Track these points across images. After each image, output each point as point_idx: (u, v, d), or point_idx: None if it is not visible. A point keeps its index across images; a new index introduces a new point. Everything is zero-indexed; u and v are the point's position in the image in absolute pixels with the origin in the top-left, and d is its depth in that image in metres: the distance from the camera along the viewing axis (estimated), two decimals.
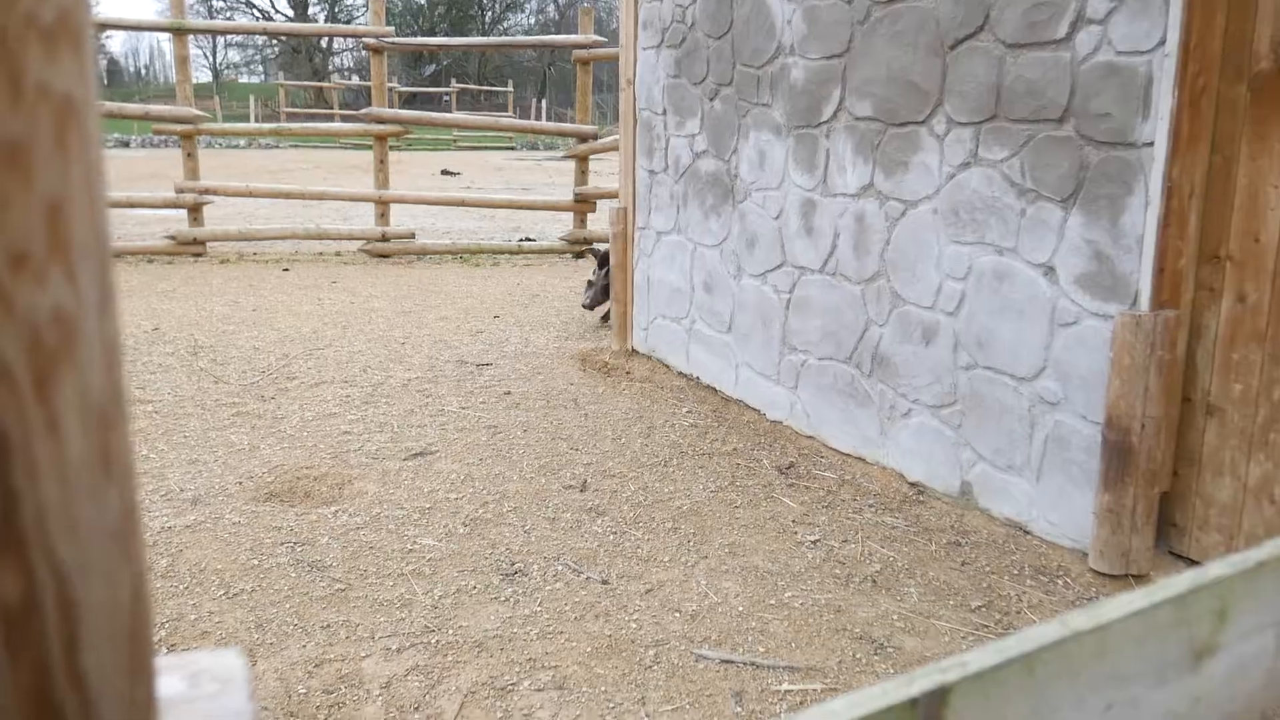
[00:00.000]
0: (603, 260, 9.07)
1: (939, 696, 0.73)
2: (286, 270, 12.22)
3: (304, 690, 3.52)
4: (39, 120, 0.52)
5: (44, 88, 0.52)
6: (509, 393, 7.03)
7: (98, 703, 0.49)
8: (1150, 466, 4.22)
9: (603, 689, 3.51)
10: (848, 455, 5.87)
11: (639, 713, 3.37)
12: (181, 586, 4.21)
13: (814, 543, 4.72)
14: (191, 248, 12.87)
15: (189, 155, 12.93)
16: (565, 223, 14.74)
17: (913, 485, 5.40)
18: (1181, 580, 0.85)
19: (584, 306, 9.29)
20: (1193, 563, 4.36)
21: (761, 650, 3.78)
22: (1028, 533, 4.79)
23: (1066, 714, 0.80)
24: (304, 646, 3.78)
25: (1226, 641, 0.88)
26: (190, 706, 0.53)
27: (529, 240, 14.48)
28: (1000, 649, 0.76)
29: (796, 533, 4.83)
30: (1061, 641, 0.78)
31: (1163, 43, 4.07)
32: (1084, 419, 4.47)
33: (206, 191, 13.05)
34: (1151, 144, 4.14)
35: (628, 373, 7.62)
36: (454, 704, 3.41)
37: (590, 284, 9.25)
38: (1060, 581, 4.37)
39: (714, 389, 7.10)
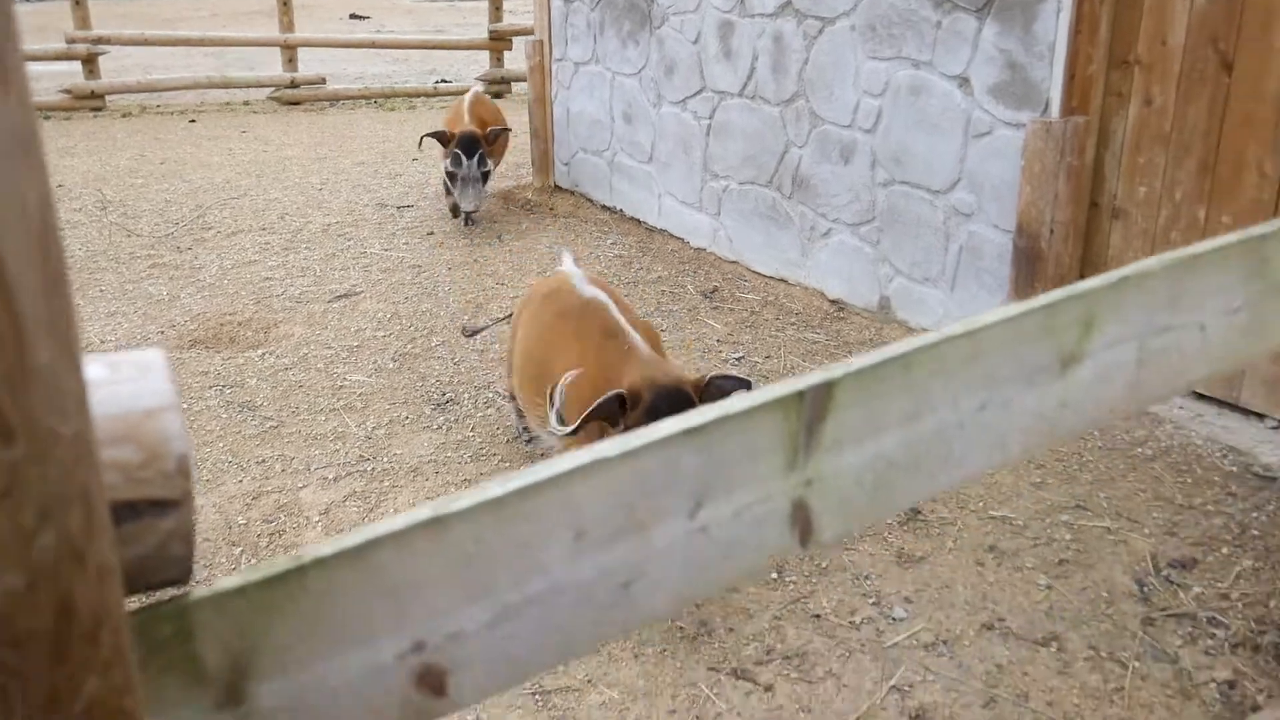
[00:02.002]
0: (464, 143, 6.73)
1: (824, 390, 0.79)
2: (193, 122, 11.76)
3: (244, 521, 3.58)
4: None
5: None
6: (432, 233, 6.96)
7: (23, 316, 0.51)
8: (1058, 271, 4.36)
9: None
10: (770, 278, 5.96)
11: None
12: None
13: (738, 360, 4.85)
14: (90, 102, 12.27)
15: (77, 3, 12.20)
16: (482, 63, 14.29)
17: (833, 303, 5.53)
18: (1052, 293, 0.91)
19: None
20: None
21: None
22: None
23: (943, 412, 0.87)
24: (240, 481, 3.83)
25: (1091, 350, 0.95)
26: (112, 389, 0.57)
27: (444, 82, 14.06)
28: (881, 352, 0.82)
29: (721, 352, 4.95)
30: (937, 344, 0.84)
31: None
32: (996, 228, 4.58)
33: (100, 41, 12.37)
34: None
35: (551, 209, 7.57)
36: None
37: (452, 177, 6.85)
38: None
39: (638, 220, 7.10)
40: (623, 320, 3.38)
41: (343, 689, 0.65)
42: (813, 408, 0.79)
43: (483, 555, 0.67)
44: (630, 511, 0.72)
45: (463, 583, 0.67)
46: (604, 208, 7.46)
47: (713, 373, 3.02)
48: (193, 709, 0.60)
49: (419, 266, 6.27)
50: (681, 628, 3.17)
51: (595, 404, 2.86)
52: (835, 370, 0.80)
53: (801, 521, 0.82)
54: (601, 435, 2.94)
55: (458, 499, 0.66)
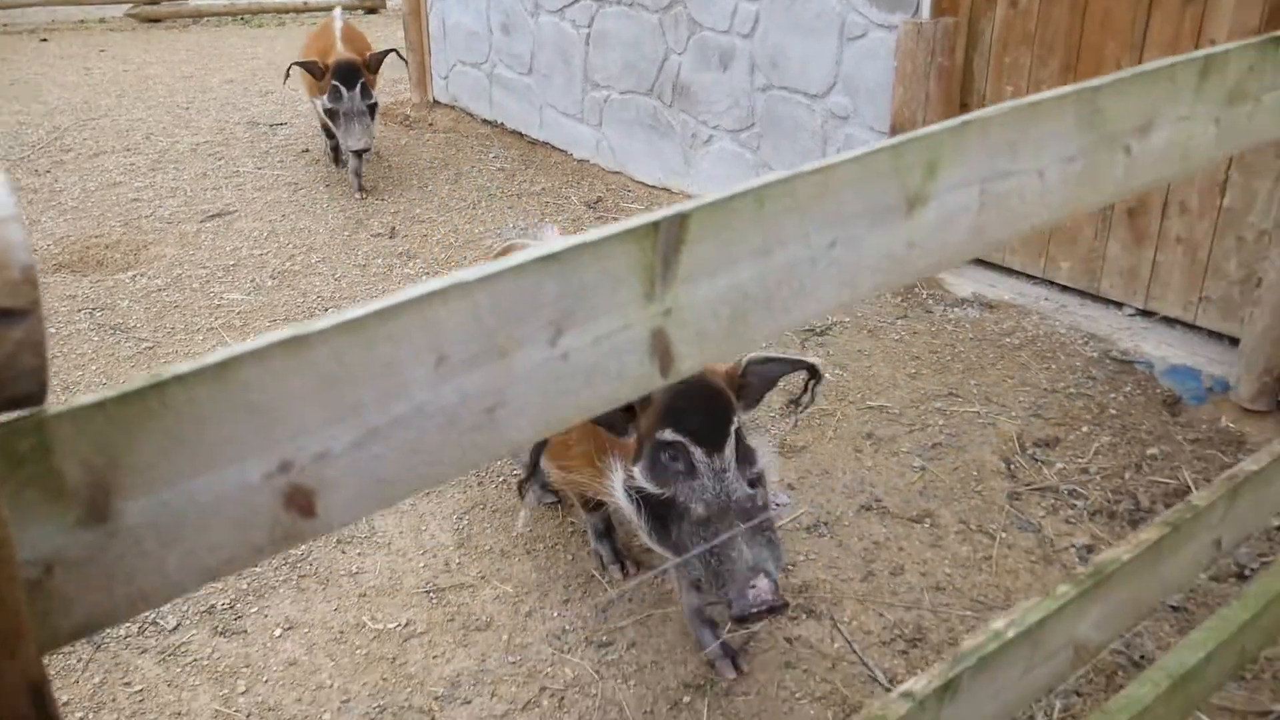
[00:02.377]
0: (342, 73, 5.71)
1: (678, 221, 0.82)
2: (45, 40, 11.12)
3: None
4: None
5: None
6: (307, 150, 6.77)
7: None
8: None
9: None
10: (654, 187, 5.97)
11: None
12: None
13: None
14: None
15: None
16: None
17: None
18: (898, 136, 0.96)
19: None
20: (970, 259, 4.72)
21: None
22: None
23: (795, 248, 0.91)
24: None
25: (936, 192, 1.00)
26: None
27: None
28: (734, 189, 0.85)
29: None
30: (788, 180, 0.88)
31: None
32: (871, 130, 4.67)
33: None
34: None
35: (430, 124, 7.41)
36: None
37: (332, 114, 5.81)
38: None
39: (520, 133, 7.01)
40: None
41: (210, 508, 0.66)
42: (667, 239, 0.81)
43: (345, 376, 0.69)
44: (491, 337, 0.74)
45: (326, 403, 0.68)
46: (485, 121, 7.34)
47: (749, 355, 2.41)
48: (56, 525, 0.61)
49: (295, 184, 6.10)
50: (573, 523, 3.23)
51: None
52: (689, 203, 0.82)
53: (661, 351, 0.85)
54: (598, 465, 2.46)
55: (318, 320, 0.67)
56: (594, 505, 2.84)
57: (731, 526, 2.16)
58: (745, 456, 2.31)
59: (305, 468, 0.69)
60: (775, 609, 2.08)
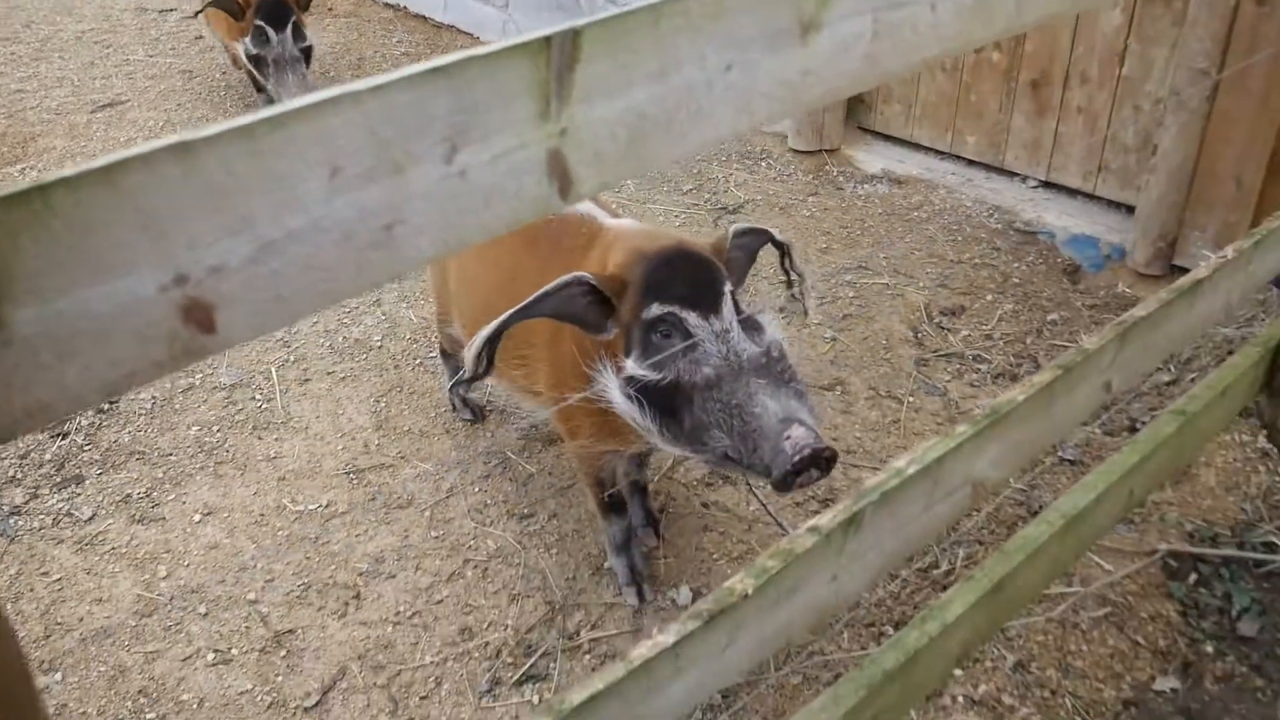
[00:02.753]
0: (269, 12, 4.77)
1: (571, 37, 0.82)
2: None
3: None
4: None
5: None
6: (201, 36, 6.48)
7: None
8: None
9: None
10: None
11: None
12: None
13: None
14: None
15: None
16: None
17: None
18: None
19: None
20: (880, 135, 4.76)
21: None
22: None
23: (691, 70, 0.91)
24: None
25: (829, 19, 1.01)
26: None
27: None
28: (627, 7, 0.85)
29: None
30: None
31: None
32: None
33: None
34: None
35: (330, 8, 7.14)
36: None
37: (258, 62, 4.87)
38: (764, 163, 4.69)
39: (424, 17, 6.79)
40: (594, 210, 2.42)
41: (107, 320, 0.66)
42: (561, 55, 0.81)
43: (236, 186, 0.68)
44: (385, 150, 0.74)
45: (219, 213, 0.68)
46: (387, 4, 7.10)
47: (734, 226, 2.17)
48: None
49: (190, 72, 5.86)
50: (490, 401, 3.25)
51: (532, 302, 1.94)
52: (582, 19, 0.82)
53: (559, 172, 0.85)
54: (576, 382, 2.13)
55: (206, 128, 0.66)
56: (613, 505, 2.52)
57: (749, 386, 1.88)
58: (750, 325, 2.03)
59: (202, 281, 0.69)
60: (821, 457, 1.80)
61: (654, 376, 1.95)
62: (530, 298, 1.93)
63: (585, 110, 0.85)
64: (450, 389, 3.13)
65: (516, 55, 0.79)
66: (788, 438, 1.79)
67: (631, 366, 1.98)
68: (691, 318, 1.95)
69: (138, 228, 0.65)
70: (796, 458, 1.77)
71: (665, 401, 1.96)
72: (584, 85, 0.84)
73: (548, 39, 0.80)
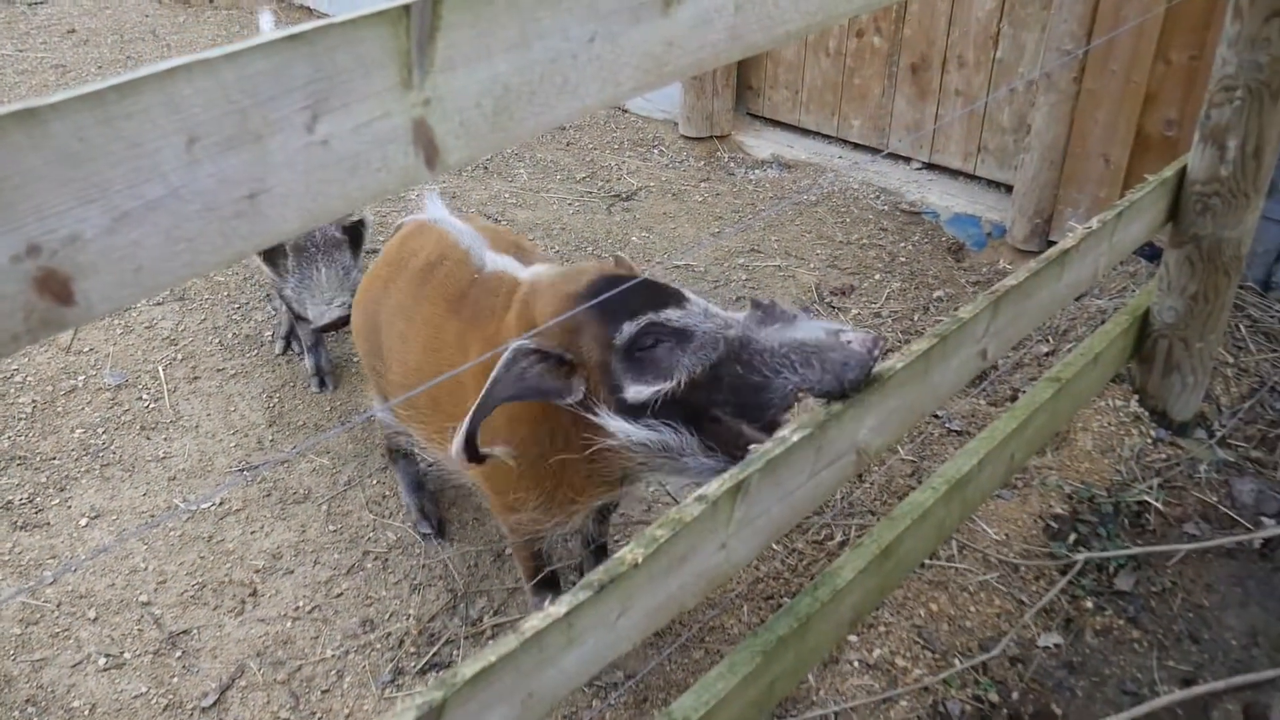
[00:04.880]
0: None
1: (430, 6, 0.82)
2: None
3: None
4: None
5: None
6: (73, 30, 6.27)
7: None
8: None
9: None
10: None
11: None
12: None
13: None
14: None
15: None
16: None
17: None
18: None
19: None
20: (769, 121, 4.84)
21: None
22: (626, 111, 5.07)
23: (554, 41, 0.93)
24: None
25: None
26: None
27: None
28: None
29: None
30: None
31: None
32: None
33: None
34: None
35: (210, 1, 6.97)
36: None
37: None
38: (656, 150, 4.73)
39: (308, 8, 6.67)
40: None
41: None
42: (420, 24, 0.82)
43: (89, 154, 0.67)
44: (243, 118, 0.74)
45: (72, 182, 0.67)
46: None
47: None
48: None
49: (63, 67, 5.67)
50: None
51: (486, 394, 1.75)
52: None
53: (425, 143, 0.86)
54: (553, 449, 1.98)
55: (53, 95, 0.66)
56: (550, 581, 2.38)
57: (775, 328, 1.75)
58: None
59: (57, 252, 0.68)
60: (878, 348, 1.66)
61: (667, 386, 1.77)
62: (483, 390, 1.75)
63: (448, 80, 0.86)
64: (411, 503, 2.82)
65: (376, 23, 0.80)
66: (849, 341, 1.65)
67: (635, 393, 1.80)
68: (670, 314, 1.80)
69: None
70: (875, 350, 1.64)
71: (688, 408, 1.80)
72: (446, 54, 0.85)
73: (406, 8, 0.81)
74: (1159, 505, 2.71)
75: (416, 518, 2.77)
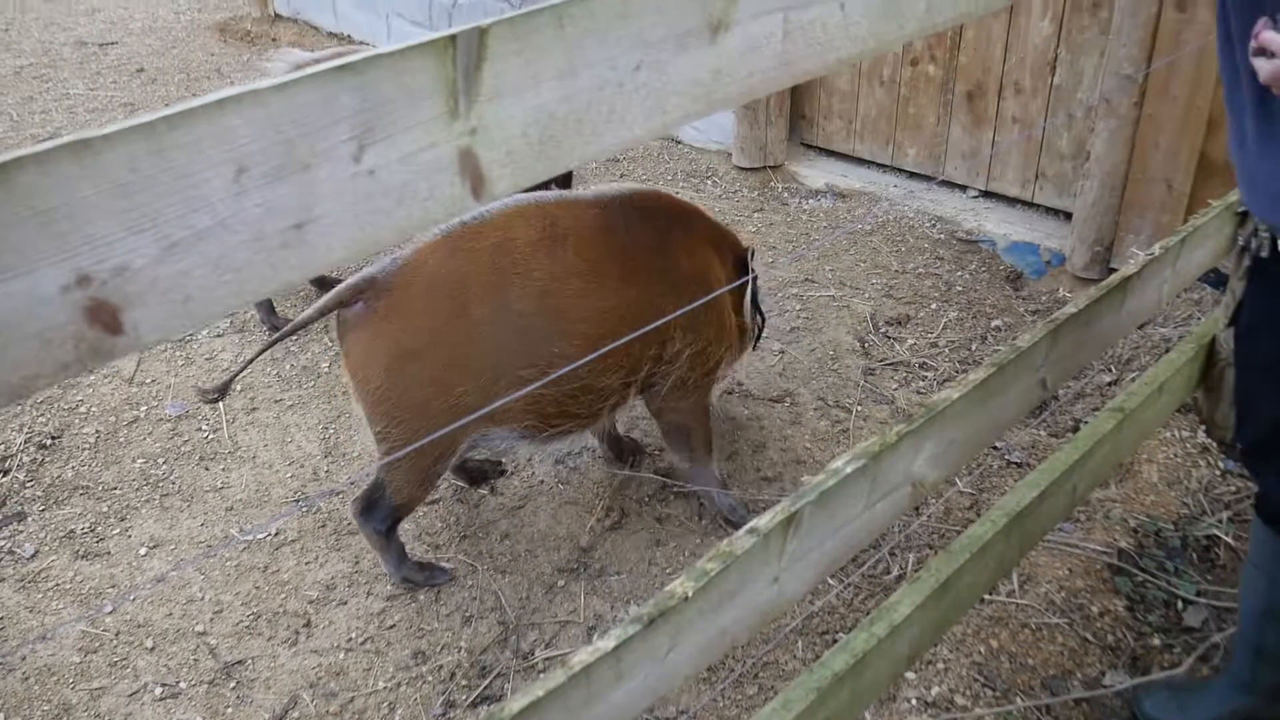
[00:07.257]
0: None
1: (477, 36, 0.83)
2: None
3: None
4: None
5: None
6: (142, 70, 6.44)
7: None
8: None
9: None
10: None
11: None
12: None
13: None
14: None
15: None
16: None
17: None
18: None
19: None
20: (823, 150, 4.82)
21: None
22: (679, 142, 5.08)
23: (600, 70, 0.93)
24: None
25: (738, 18, 1.03)
26: None
27: None
28: (532, 6, 0.87)
29: None
30: (587, 1, 0.89)
31: None
32: None
33: None
34: None
35: (274, 40, 7.13)
36: None
37: None
38: (709, 181, 4.73)
39: (368, 45, 6.79)
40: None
41: (7, 322, 0.66)
42: (467, 54, 0.82)
43: (140, 184, 0.68)
44: (291, 148, 0.75)
45: (122, 213, 0.68)
46: (331, 35, 7.09)
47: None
48: None
49: (131, 105, 5.82)
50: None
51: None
52: (488, 19, 0.83)
53: (471, 172, 0.86)
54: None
55: (106, 126, 0.66)
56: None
57: None
58: None
59: (107, 282, 0.69)
60: None
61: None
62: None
63: (495, 109, 0.85)
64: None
65: (422, 54, 0.80)
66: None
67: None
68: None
69: (35, 227, 0.65)
70: None
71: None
72: (492, 84, 0.85)
73: (453, 38, 0.81)
74: (1229, 539, 2.62)
75: (423, 577, 2.69)
